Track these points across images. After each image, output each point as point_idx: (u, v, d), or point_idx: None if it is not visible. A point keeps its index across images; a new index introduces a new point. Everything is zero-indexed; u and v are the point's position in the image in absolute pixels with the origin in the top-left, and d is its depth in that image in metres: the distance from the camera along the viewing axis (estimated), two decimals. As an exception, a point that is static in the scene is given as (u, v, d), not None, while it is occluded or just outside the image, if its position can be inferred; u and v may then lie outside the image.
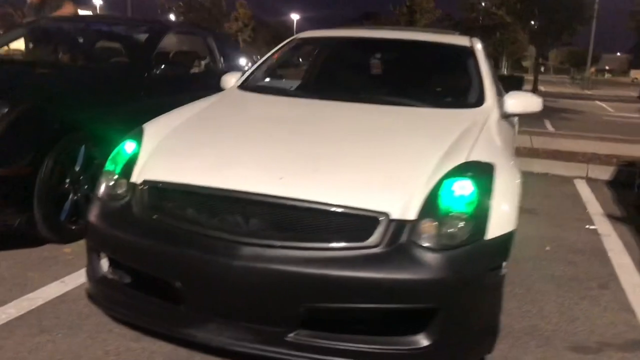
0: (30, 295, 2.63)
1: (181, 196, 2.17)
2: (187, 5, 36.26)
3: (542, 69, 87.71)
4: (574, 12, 22.96)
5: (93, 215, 2.30)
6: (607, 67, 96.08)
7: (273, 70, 3.58)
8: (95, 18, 5.80)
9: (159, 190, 2.20)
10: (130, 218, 2.20)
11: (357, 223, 1.93)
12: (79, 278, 2.83)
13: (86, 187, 3.38)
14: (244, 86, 3.35)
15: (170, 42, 4.63)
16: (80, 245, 2.95)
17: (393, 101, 2.97)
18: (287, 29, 53.20)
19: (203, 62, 5.05)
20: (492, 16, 34.39)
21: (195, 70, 4.95)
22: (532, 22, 24.96)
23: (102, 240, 2.27)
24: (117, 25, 4.43)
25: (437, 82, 3.47)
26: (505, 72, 46.35)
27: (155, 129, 2.54)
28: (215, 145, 2.37)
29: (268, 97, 3.16)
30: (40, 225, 3.11)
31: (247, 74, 3.50)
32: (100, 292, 2.32)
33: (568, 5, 22.76)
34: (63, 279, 2.84)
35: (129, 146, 2.46)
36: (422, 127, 2.65)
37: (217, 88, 3.39)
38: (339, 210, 1.93)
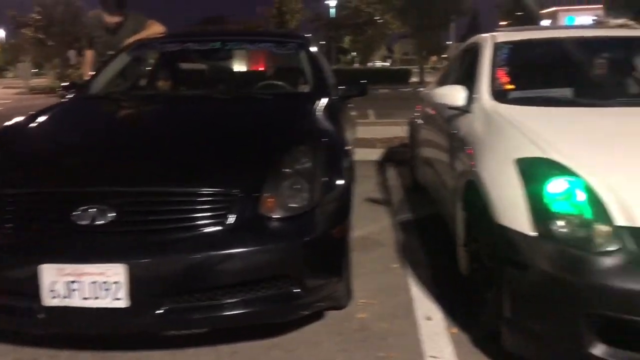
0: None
1: None
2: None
3: (390, 61, 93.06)
4: (452, 6, 24.60)
5: (585, 273, 1.89)
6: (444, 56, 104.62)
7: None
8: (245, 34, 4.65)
9: None
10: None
11: None
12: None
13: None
14: (505, 101, 3.01)
15: None
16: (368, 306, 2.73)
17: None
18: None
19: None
20: (361, 14, 35.67)
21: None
22: (414, 18, 26.25)
23: (616, 301, 1.86)
24: (258, 42, 3.72)
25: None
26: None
27: (571, 159, 2.15)
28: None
29: (561, 109, 2.85)
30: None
31: (486, 86, 3.16)
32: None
33: (446, 0, 24.31)
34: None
35: (560, 185, 2.06)
36: None
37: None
38: None
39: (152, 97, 3.48)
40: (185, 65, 4.10)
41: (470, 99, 3.15)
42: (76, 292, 2.00)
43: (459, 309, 2.69)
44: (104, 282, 1.99)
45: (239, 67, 4.76)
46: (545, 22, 56.91)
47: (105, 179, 2.23)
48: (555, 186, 2.06)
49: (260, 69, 4.60)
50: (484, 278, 2.43)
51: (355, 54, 45.95)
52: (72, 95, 3.42)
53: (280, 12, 39.10)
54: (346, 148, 2.77)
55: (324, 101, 3.14)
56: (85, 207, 2.07)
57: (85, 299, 2.00)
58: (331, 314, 2.64)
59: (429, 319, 2.63)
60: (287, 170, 2.28)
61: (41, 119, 2.93)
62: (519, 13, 39.20)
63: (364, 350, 2.36)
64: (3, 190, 2.25)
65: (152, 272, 2.03)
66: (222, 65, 3.63)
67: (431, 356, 2.31)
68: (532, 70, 3.38)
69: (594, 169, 2.08)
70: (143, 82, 3.84)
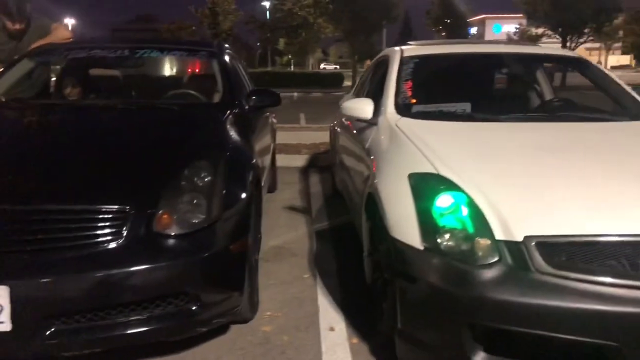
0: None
1: (580, 248, 1.98)
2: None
3: (324, 64, 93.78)
4: (383, 12, 25.10)
5: (466, 285, 1.98)
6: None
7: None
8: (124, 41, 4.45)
9: (549, 246, 1.98)
10: (526, 281, 1.95)
11: None
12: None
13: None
14: (408, 114, 3.10)
15: None
16: (273, 319, 2.76)
17: (582, 117, 3.07)
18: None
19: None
20: (295, 17, 35.73)
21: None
22: (346, 22, 26.59)
23: (494, 312, 1.96)
24: (168, 50, 3.64)
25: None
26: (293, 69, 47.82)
27: (459, 175, 2.24)
28: (566, 186, 2.19)
29: (458, 124, 2.97)
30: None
31: (391, 100, 3.24)
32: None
33: (377, 6, 24.77)
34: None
35: (446, 200, 2.16)
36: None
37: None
38: None
39: (50, 106, 3.31)
40: (94, 72, 3.97)
41: (377, 112, 3.23)
42: None
43: (362, 319, 2.75)
44: None
45: (171, 71, 4.68)
46: (474, 29, 59.11)
47: None
48: (442, 201, 2.15)
49: (196, 71, 4.56)
50: (382, 288, 2.50)
51: (290, 56, 46.02)
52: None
53: (213, 13, 38.53)
54: (252, 161, 2.78)
55: (232, 112, 3.13)
56: None
57: (-37, 323, 1.91)
58: (235, 328, 2.64)
59: (331, 329, 2.67)
60: (185, 185, 2.26)
61: None
62: (447, 20, 40.48)
63: (265, 364, 2.38)
64: None
65: (36, 293, 1.95)
66: (133, 72, 3.53)
67: (329, 367, 2.35)
68: (436, 84, 3.49)
69: (478, 184, 2.18)
70: (47, 89, 3.69)
